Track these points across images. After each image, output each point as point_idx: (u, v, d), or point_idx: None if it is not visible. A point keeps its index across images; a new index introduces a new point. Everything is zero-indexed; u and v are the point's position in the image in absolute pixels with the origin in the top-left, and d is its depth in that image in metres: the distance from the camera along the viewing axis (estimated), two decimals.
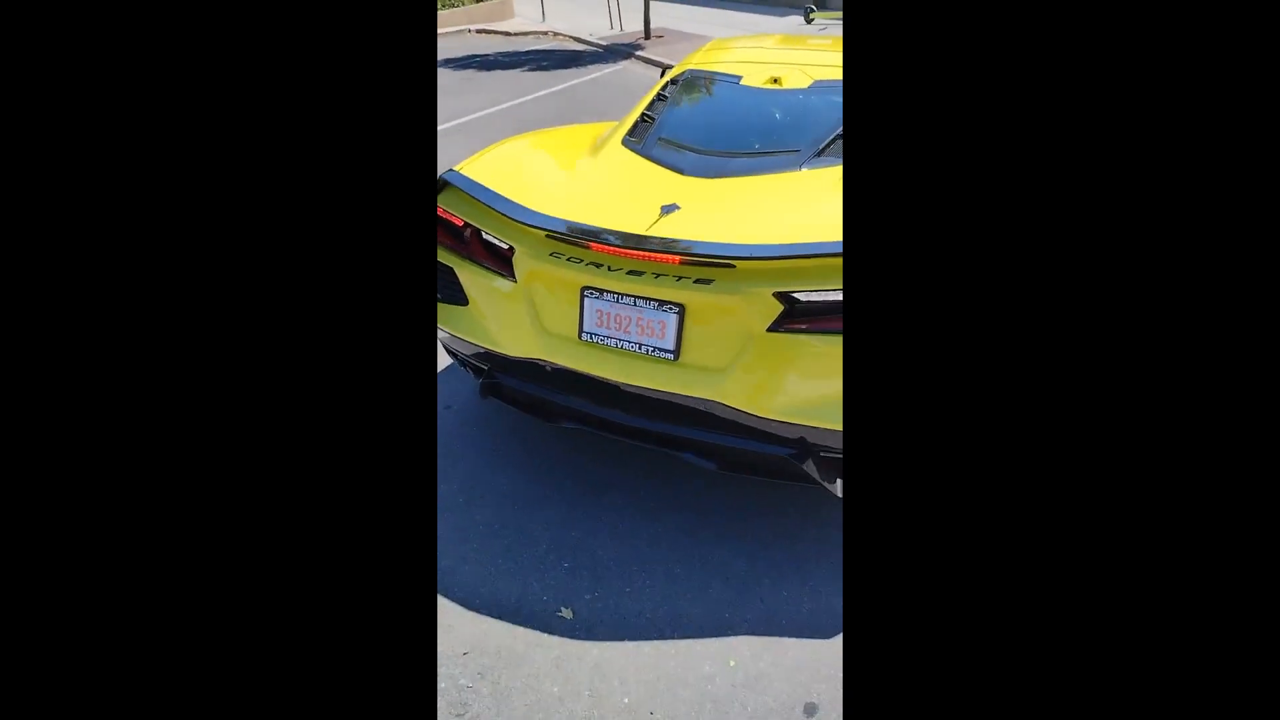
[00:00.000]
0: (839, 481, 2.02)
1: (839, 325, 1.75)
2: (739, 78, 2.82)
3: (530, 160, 2.49)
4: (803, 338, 1.79)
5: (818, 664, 1.81)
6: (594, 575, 2.09)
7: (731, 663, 1.84)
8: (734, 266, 1.79)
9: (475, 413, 2.80)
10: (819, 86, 2.66)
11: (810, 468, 1.91)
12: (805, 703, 1.72)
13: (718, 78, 2.88)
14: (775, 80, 2.75)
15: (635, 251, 1.84)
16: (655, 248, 1.82)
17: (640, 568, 2.11)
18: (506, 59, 10.37)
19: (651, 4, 11.19)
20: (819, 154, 2.33)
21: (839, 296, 1.73)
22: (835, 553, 2.13)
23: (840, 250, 1.67)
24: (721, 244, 1.79)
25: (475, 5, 14.19)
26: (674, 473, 2.45)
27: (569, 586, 2.06)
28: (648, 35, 11.07)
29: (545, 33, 12.37)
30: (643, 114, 2.75)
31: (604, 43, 11.06)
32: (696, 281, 1.84)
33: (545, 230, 1.95)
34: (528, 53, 10.84)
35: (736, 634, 1.91)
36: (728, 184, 2.22)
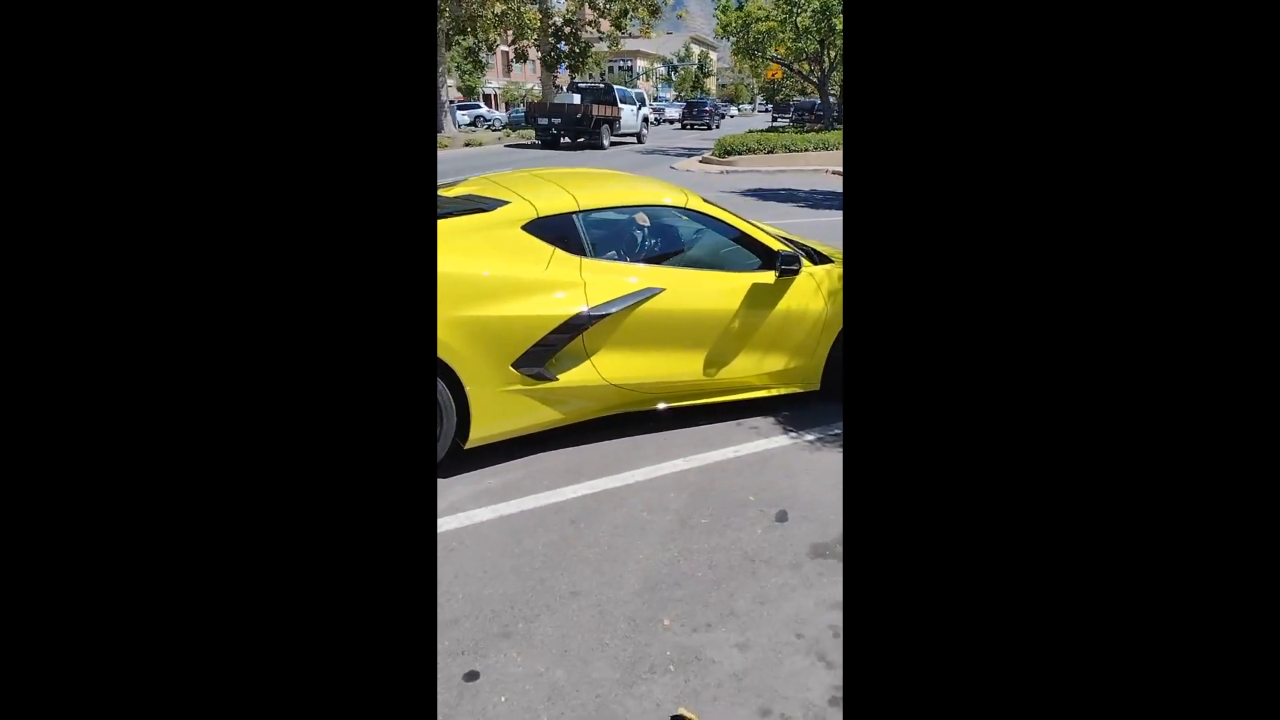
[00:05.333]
0: None
1: None
2: (459, 186, 3.69)
3: None
4: None
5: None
6: None
7: None
8: None
9: None
10: (465, 195, 3.39)
11: None
12: None
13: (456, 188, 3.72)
14: (460, 193, 3.55)
15: None
16: None
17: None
18: (820, 196, 11.24)
19: None
20: None
21: None
22: None
23: None
24: None
25: (839, 150, 15.48)
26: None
27: None
28: None
29: None
30: None
31: None
32: None
33: None
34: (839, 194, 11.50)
35: None
36: None
